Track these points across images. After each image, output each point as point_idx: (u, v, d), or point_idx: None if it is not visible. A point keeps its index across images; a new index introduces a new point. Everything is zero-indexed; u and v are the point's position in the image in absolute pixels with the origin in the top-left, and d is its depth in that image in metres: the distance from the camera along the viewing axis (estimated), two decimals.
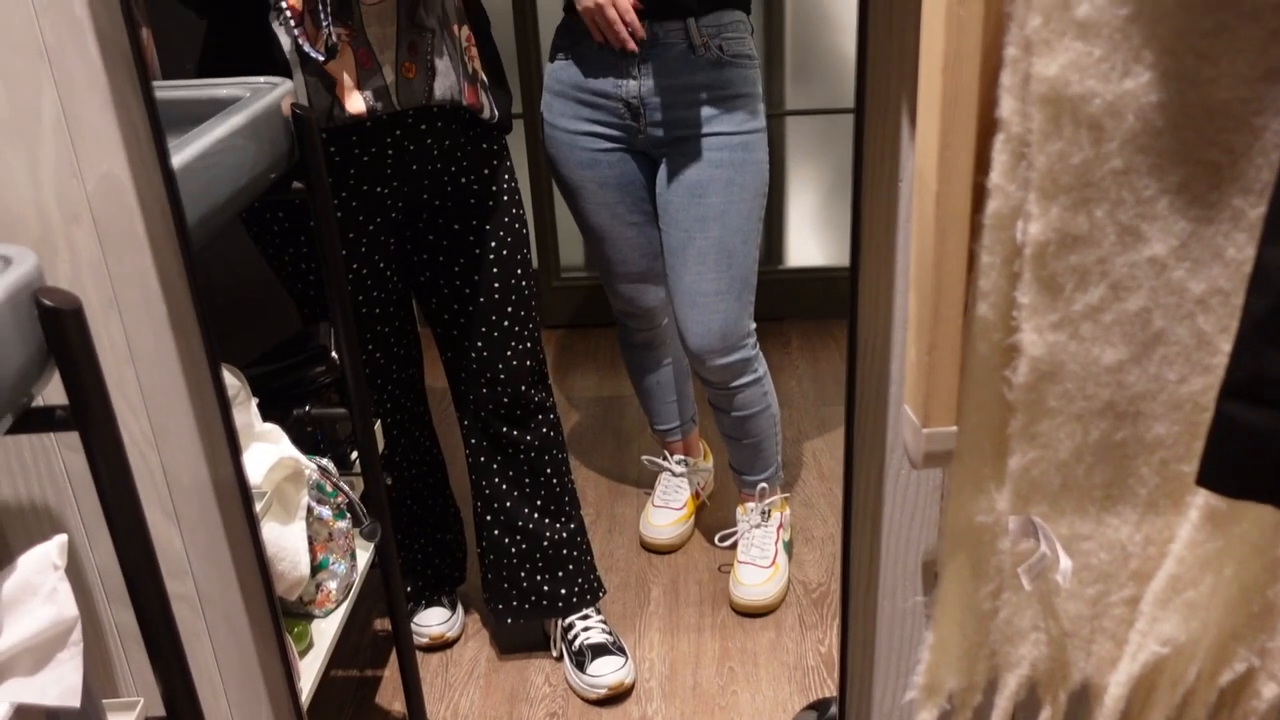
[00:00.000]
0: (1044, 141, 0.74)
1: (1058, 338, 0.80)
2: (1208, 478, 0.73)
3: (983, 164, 0.77)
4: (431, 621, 1.85)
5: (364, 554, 1.50)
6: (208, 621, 1.04)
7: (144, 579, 0.88)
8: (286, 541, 1.30)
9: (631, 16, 1.62)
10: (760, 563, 1.97)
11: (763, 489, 1.98)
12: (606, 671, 1.74)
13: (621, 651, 1.78)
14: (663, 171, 1.78)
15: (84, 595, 1.02)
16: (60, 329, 0.75)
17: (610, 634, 1.80)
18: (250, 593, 1.03)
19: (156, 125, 0.82)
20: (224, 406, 0.92)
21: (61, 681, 0.76)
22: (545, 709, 1.75)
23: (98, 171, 0.87)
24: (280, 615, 1.04)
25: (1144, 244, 0.78)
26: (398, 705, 1.71)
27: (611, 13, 1.61)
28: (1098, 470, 0.85)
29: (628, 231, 1.85)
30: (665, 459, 2.17)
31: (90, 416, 0.80)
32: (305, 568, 1.32)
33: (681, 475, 2.15)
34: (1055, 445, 0.84)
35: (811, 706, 1.69)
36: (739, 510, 2.03)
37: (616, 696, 1.75)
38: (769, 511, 2.00)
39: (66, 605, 0.77)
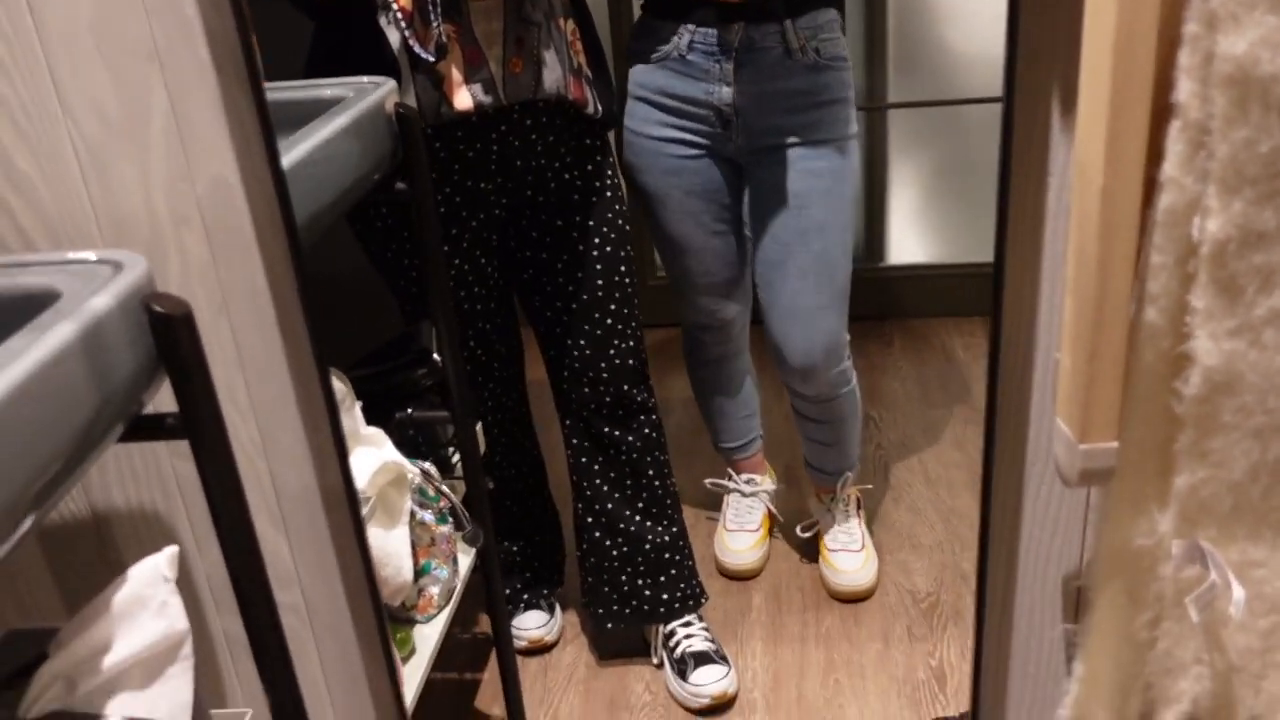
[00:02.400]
0: (1227, 128, 0.67)
1: (1236, 345, 0.73)
2: None
3: (1153, 155, 0.70)
4: (530, 625, 1.82)
5: (465, 558, 1.48)
6: (314, 631, 1.01)
7: (253, 589, 0.86)
8: (390, 547, 1.27)
9: None
10: (852, 548, 1.94)
11: (845, 479, 1.95)
12: (709, 681, 1.69)
13: (724, 660, 1.73)
14: (756, 180, 1.70)
15: (192, 604, 1.00)
16: (171, 336, 0.73)
17: (713, 641, 1.75)
18: (357, 601, 1.00)
19: (267, 127, 0.79)
20: (333, 413, 0.90)
21: (172, 696, 0.74)
22: (645, 717, 1.70)
23: (208, 174, 0.85)
24: (387, 624, 1.02)
25: None
26: (497, 709, 1.68)
27: None
28: (1276, 491, 0.78)
29: (713, 241, 1.77)
30: (731, 479, 2.08)
31: (200, 425, 0.77)
32: (409, 573, 1.29)
33: (752, 495, 2.06)
34: (1229, 464, 0.76)
35: None
36: (813, 502, 2.01)
37: (719, 707, 1.70)
38: (850, 497, 1.97)
39: (177, 619, 0.74)
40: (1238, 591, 0.77)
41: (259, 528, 0.95)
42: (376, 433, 1.30)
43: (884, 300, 2.74)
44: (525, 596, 1.85)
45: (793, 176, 1.66)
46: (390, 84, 1.27)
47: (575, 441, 1.68)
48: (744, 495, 2.06)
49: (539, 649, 1.84)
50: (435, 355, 1.47)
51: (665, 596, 1.73)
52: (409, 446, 1.49)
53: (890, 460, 2.27)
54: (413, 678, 1.30)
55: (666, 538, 1.71)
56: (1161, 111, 0.69)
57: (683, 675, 1.71)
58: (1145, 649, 0.85)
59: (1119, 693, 0.87)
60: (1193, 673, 0.85)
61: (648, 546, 1.70)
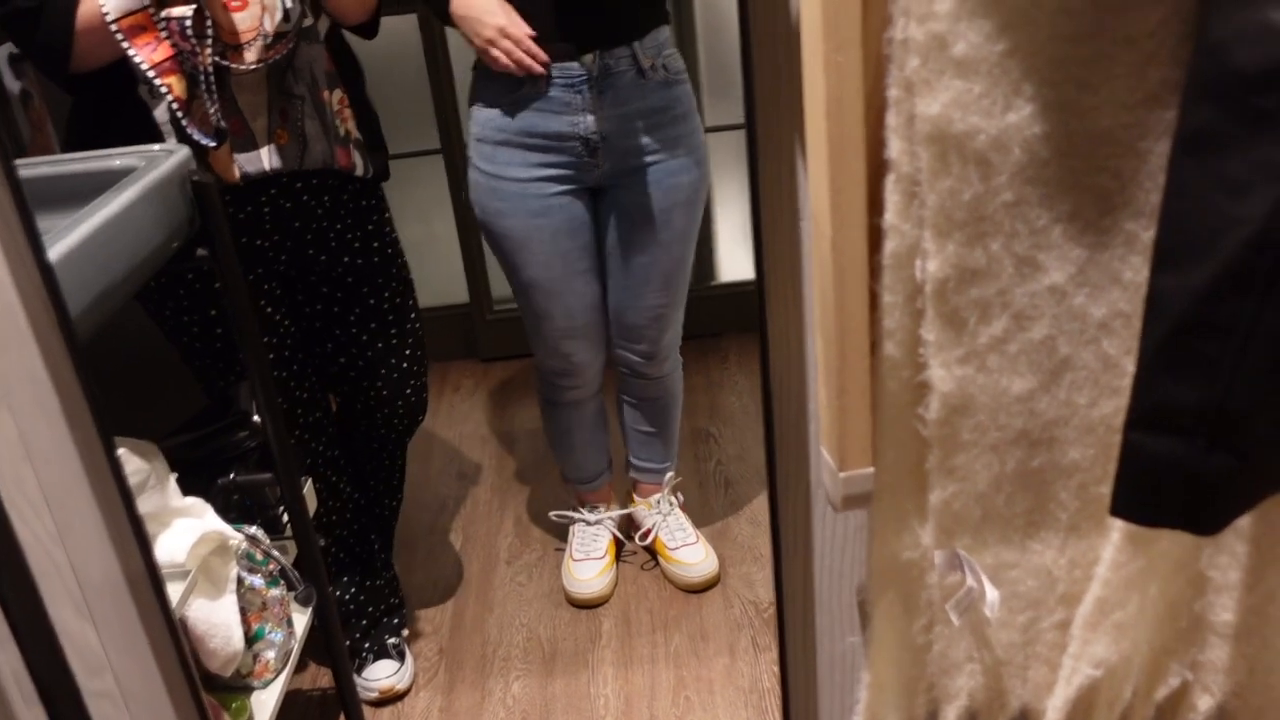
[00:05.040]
0: (934, 179, 0.74)
1: (965, 371, 0.80)
2: (1121, 507, 0.73)
3: (876, 205, 0.77)
4: (380, 675, 1.82)
5: (301, 618, 1.47)
6: (131, 715, 1.00)
7: (53, 678, 0.85)
8: (217, 617, 1.26)
9: (529, 44, 1.60)
10: (689, 542, 2.04)
11: (669, 476, 2.06)
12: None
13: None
14: (621, 204, 1.76)
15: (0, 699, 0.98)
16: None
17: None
18: (173, 681, 0.99)
19: (26, 214, 0.78)
20: (126, 498, 0.89)
21: None
22: None
23: None
24: (203, 702, 1.01)
25: (1042, 273, 0.78)
26: None
27: (505, 44, 1.59)
28: (1018, 498, 0.85)
29: (576, 282, 1.80)
30: (577, 510, 2.11)
31: None
32: (239, 642, 1.29)
33: (597, 523, 2.09)
34: (973, 477, 0.84)
35: None
36: (643, 506, 2.09)
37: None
38: (675, 494, 2.09)
39: None
40: (991, 593, 0.84)
41: (64, 618, 0.94)
42: (196, 502, 1.29)
43: (718, 317, 2.82)
44: (369, 645, 1.84)
45: (659, 192, 1.73)
46: (184, 151, 1.27)
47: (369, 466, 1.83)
48: (589, 524, 2.09)
49: (392, 697, 1.83)
50: (255, 417, 1.46)
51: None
52: (238, 511, 1.48)
53: (730, 475, 2.34)
54: None
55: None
56: (878, 166, 0.75)
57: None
58: (923, 652, 0.91)
59: (904, 695, 0.93)
60: (966, 670, 0.92)
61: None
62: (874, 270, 0.79)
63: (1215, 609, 0.86)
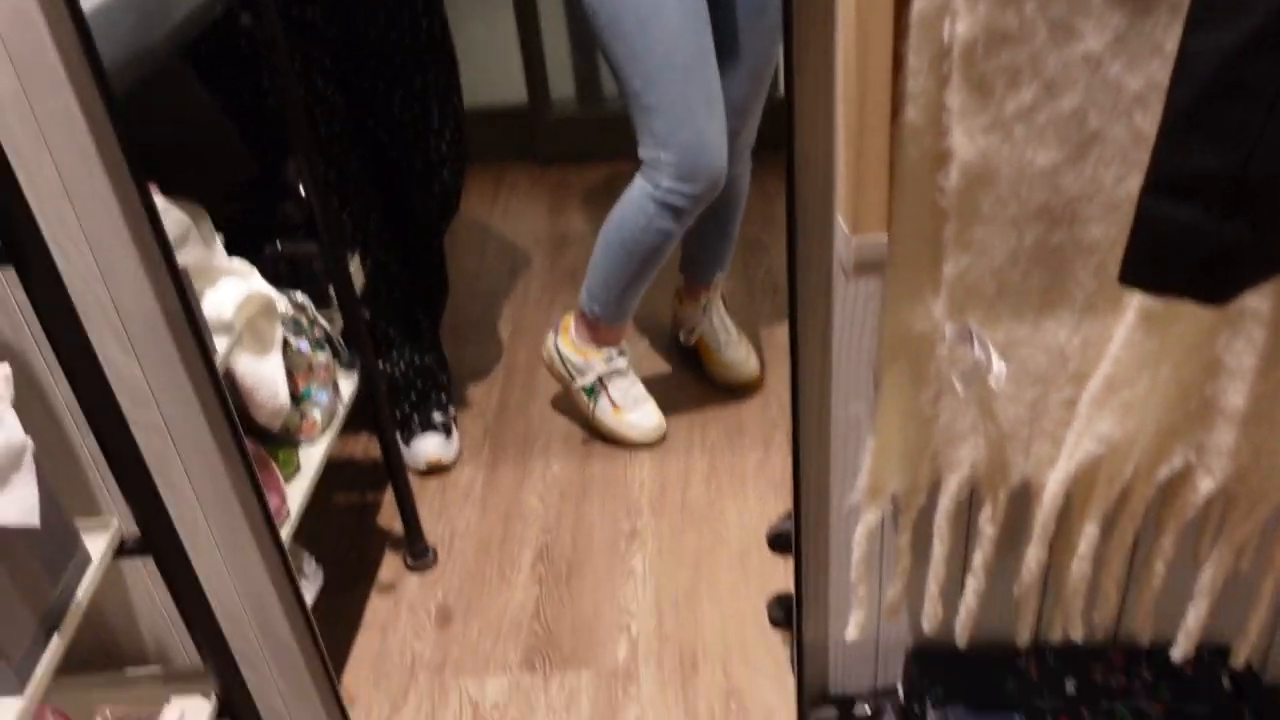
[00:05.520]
0: None
1: (990, 141, 0.79)
2: (1131, 274, 0.73)
3: None
4: (427, 448, 1.90)
5: (348, 384, 1.54)
6: (178, 448, 1.07)
7: (100, 406, 0.91)
8: (263, 373, 1.33)
9: None
10: (734, 343, 2.06)
11: (719, 276, 2.03)
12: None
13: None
14: None
15: (55, 425, 1.05)
16: None
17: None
18: (215, 420, 1.05)
19: None
20: (162, 241, 0.93)
21: (20, 502, 0.80)
22: (539, 525, 1.81)
23: (7, 4, 0.85)
24: (244, 440, 1.08)
25: (1077, 39, 0.75)
26: (397, 526, 1.77)
27: None
28: (1034, 275, 0.85)
29: (709, 56, 1.60)
30: (609, 358, 1.94)
31: (23, 251, 0.81)
32: (285, 398, 1.35)
33: (626, 369, 1.96)
34: (990, 251, 0.83)
35: (788, 516, 1.74)
36: (688, 308, 2.08)
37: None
38: (722, 295, 2.08)
39: (14, 431, 0.79)
40: (998, 366, 0.85)
41: (109, 352, 1.00)
42: (242, 264, 1.34)
43: (779, 130, 2.75)
44: (416, 419, 1.92)
45: None
46: None
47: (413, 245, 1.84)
48: (622, 374, 1.97)
49: (437, 470, 1.92)
50: (301, 190, 1.49)
51: None
52: (286, 280, 1.52)
53: (778, 282, 2.34)
54: (298, 492, 1.37)
55: None
56: None
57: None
58: (929, 423, 0.94)
59: (908, 462, 0.96)
60: (970, 442, 0.94)
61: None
62: (900, 32, 0.77)
63: (1226, 393, 0.87)
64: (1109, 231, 0.83)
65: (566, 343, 1.95)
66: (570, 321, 1.95)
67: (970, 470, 0.95)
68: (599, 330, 1.91)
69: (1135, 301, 0.84)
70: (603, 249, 1.81)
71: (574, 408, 2.02)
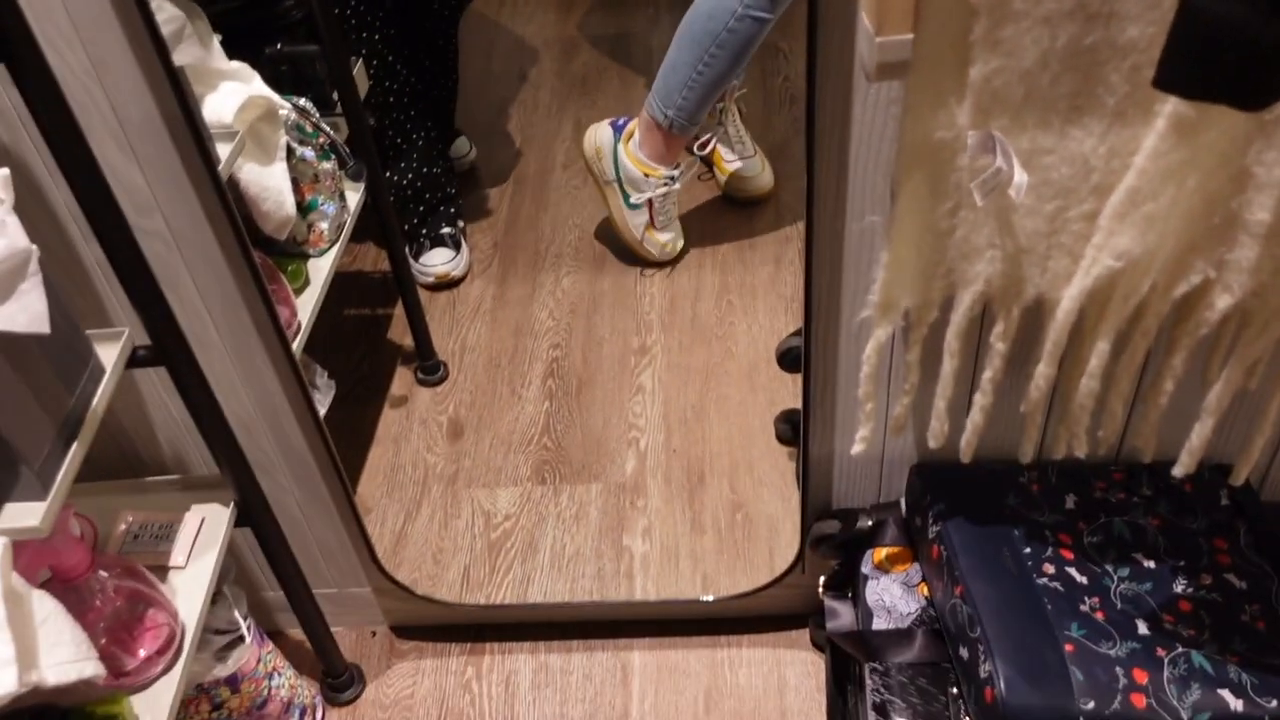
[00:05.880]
0: None
1: None
2: (1166, 77, 0.69)
3: None
4: (437, 261, 1.90)
5: (355, 194, 1.51)
6: (184, 256, 1.06)
7: (103, 213, 0.90)
8: (269, 181, 1.30)
9: None
10: (749, 154, 2.01)
11: (734, 84, 1.92)
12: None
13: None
14: None
15: (59, 232, 1.04)
16: None
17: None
18: (220, 228, 1.04)
19: None
20: (156, 38, 0.89)
21: (29, 309, 0.79)
22: (549, 340, 1.82)
23: None
24: (250, 249, 1.06)
25: None
26: (408, 340, 1.78)
27: None
28: (1065, 79, 0.81)
29: None
30: (677, 167, 1.85)
31: (14, 49, 0.78)
32: (290, 207, 1.33)
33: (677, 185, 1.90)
34: (1020, 52, 0.79)
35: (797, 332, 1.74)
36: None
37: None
38: (738, 104, 2.00)
39: (18, 237, 0.78)
40: (1019, 176, 0.83)
41: (108, 156, 0.97)
42: (242, 67, 1.29)
43: None
44: (425, 232, 1.90)
45: None
46: None
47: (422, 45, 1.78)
48: (673, 186, 1.88)
49: (448, 284, 1.92)
50: None
51: None
52: (287, 84, 1.47)
53: (796, 91, 2.27)
54: (307, 304, 1.37)
55: None
56: None
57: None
58: (945, 236, 0.91)
59: (922, 277, 0.94)
60: (986, 256, 0.92)
61: None
62: None
63: (1253, 207, 0.84)
64: (1146, 31, 0.78)
65: (628, 154, 1.82)
66: (635, 130, 1.82)
67: (985, 286, 0.93)
68: (672, 140, 1.78)
69: (1168, 108, 0.80)
70: (688, 45, 1.66)
71: (585, 215, 1.99)
